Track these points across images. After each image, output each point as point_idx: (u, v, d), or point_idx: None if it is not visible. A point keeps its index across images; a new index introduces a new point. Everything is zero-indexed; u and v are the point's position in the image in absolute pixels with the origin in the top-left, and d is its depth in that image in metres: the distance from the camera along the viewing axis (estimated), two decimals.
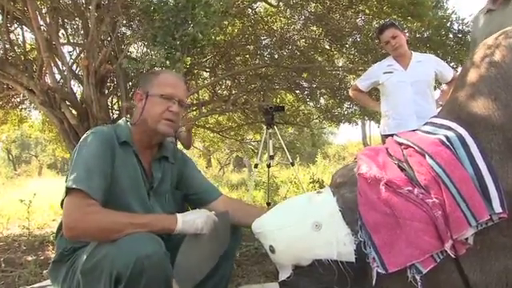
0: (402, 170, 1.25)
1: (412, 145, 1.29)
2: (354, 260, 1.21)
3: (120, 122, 1.56)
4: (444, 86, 3.19)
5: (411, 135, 1.39)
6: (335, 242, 1.23)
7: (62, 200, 1.29)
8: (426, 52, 3.96)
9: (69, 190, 1.26)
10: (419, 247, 1.11)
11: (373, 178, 1.23)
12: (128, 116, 4.06)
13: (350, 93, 3.25)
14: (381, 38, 2.92)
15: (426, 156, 1.21)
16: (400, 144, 1.38)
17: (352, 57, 5.57)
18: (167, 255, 1.23)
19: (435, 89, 3.29)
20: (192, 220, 1.35)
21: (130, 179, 1.43)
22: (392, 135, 2.54)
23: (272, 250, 1.31)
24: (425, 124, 1.42)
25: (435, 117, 1.40)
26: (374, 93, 4.86)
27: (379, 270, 1.14)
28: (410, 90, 2.80)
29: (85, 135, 1.41)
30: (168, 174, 1.59)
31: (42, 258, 3.24)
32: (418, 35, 4.61)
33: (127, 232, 1.20)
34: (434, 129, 1.31)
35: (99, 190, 1.29)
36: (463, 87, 1.35)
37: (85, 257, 1.25)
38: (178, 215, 1.36)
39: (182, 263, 1.29)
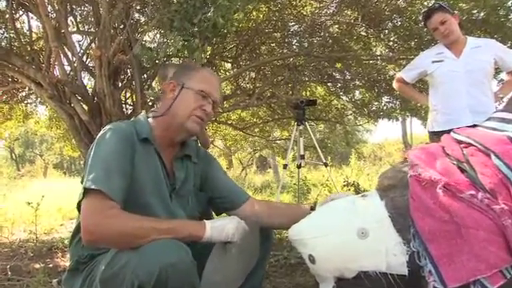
0: (463, 171, 1.23)
1: (474, 143, 1.27)
2: (406, 273, 1.19)
3: (139, 117, 1.58)
4: (505, 76, 3.10)
5: (472, 132, 1.36)
6: (384, 251, 1.22)
7: (79, 202, 1.31)
8: (480, 36, 3.85)
9: (87, 191, 1.28)
10: (485, 260, 1.08)
11: (428, 181, 1.21)
12: (143, 111, 4.10)
13: (394, 85, 3.21)
14: (428, 24, 2.88)
15: (492, 155, 1.18)
16: (459, 142, 1.35)
17: (392, 44, 5.47)
18: (194, 264, 1.24)
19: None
20: (222, 226, 1.35)
21: (152, 179, 1.45)
22: (441, 132, 2.52)
23: (312, 260, 1.31)
24: (488, 119, 1.39)
25: (501, 111, 1.37)
26: (417, 85, 4.76)
27: (437, 286, 1.12)
28: (463, 81, 2.74)
29: (102, 131, 1.44)
30: (191, 175, 1.61)
31: (50, 265, 3.32)
32: (471, 17, 4.47)
33: (151, 238, 1.21)
34: (501, 125, 1.28)
35: (119, 191, 1.30)
36: None
37: (104, 264, 1.27)
38: (206, 221, 1.36)
39: (210, 276, 1.29)
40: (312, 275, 2.65)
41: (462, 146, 1.32)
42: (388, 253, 1.21)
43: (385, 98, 6.29)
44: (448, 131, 1.64)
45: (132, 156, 1.40)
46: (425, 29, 3.88)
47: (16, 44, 4.58)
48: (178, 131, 1.53)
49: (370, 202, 1.34)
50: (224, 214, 1.71)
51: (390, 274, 1.20)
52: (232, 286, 1.37)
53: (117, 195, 1.29)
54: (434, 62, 2.86)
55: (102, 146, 1.37)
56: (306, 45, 5.59)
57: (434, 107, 2.95)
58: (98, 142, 1.40)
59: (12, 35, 4.51)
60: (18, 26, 4.74)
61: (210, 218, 1.65)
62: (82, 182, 1.35)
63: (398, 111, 6.28)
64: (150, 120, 1.55)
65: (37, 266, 3.29)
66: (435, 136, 2.78)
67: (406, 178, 1.30)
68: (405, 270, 1.19)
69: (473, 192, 1.15)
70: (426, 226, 1.17)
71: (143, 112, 1.64)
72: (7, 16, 4.32)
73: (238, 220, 1.40)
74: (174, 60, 4.53)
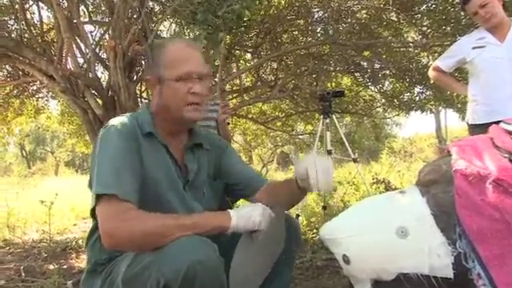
0: None
1: None
2: (451, 275, 1.16)
3: (141, 109, 1.56)
4: None
5: None
6: (426, 252, 1.20)
7: (92, 209, 1.31)
8: None
9: (100, 197, 1.28)
10: None
11: (475, 175, 1.18)
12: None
13: (430, 74, 3.15)
14: (467, 8, 2.81)
15: None
16: (510, 133, 1.31)
17: (426, 29, 5.38)
18: (222, 261, 1.23)
19: None
20: (248, 214, 1.34)
21: (164, 174, 1.45)
22: (482, 125, 2.45)
23: (346, 261, 1.29)
24: None
25: None
26: (454, 73, 4.66)
27: None
28: (507, 68, 2.68)
29: (103, 129, 1.42)
30: (204, 164, 1.59)
31: (65, 266, 3.38)
32: None
33: (176, 236, 1.21)
34: None
35: (133, 191, 1.30)
36: None
37: (126, 264, 1.28)
38: (231, 211, 1.36)
39: (239, 267, 1.29)
40: (340, 278, 2.66)
41: None
42: (431, 253, 1.19)
43: (417, 89, 6.21)
44: (490, 124, 1.60)
45: (138, 151, 1.39)
46: (462, 12, 3.80)
47: (27, 35, 4.64)
48: (180, 123, 1.51)
49: (409, 198, 1.31)
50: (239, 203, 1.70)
51: (434, 277, 1.18)
52: (261, 274, 1.36)
53: (131, 196, 1.28)
54: (474, 48, 2.79)
55: (106, 146, 1.36)
56: (331, 32, 5.54)
57: (474, 97, 2.88)
58: (101, 142, 1.39)
59: (23, 26, 4.57)
60: (29, 16, 4.81)
61: (227, 207, 1.64)
62: (89, 186, 1.35)
63: (431, 102, 6.19)
64: (152, 111, 1.52)
65: (51, 267, 3.35)
66: (476, 129, 2.71)
67: (450, 172, 1.27)
68: (450, 273, 1.16)
69: None
70: (473, 224, 1.14)
71: (145, 104, 1.62)
72: (17, 6, 4.39)
73: (263, 207, 1.39)
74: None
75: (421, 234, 1.21)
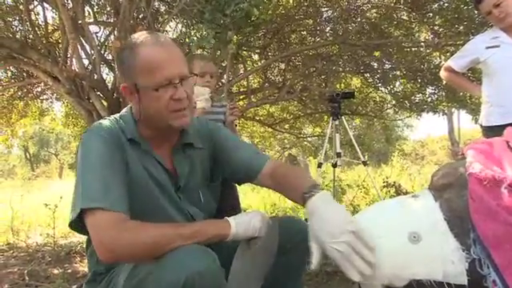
0: None
1: None
2: (465, 282, 1.15)
3: (124, 112, 1.48)
4: None
5: None
6: (440, 258, 1.18)
7: (72, 222, 1.25)
8: None
9: (88, 210, 1.22)
10: None
11: (490, 179, 1.17)
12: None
13: (442, 74, 3.13)
14: (480, 7, 2.80)
15: None
16: None
17: (438, 28, 5.37)
18: (222, 271, 1.21)
19: None
20: (248, 220, 1.34)
21: (153, 181, 1.42)
22: (497, 127, 2.44)
23: None
24: None
25: None
26: (467, 73, 4.64)
27: None
28: None
29: (85, 135, 1.37)
30: (196, 165, 1.55)
31: (69, 270, 3.39)
32: None
33: (177, 244, 1.18)
34: None
35: (123, 201, 1.26)
36: None
37: (124, 276, 1.26)
38: (229, 218, 1.34)
39: (237, 275, 1.29)
40: (349, 285, 2.64)
41: None
42: (445, 260, 1.17)
43: (429, 89, 6.20)
44: (505, 126, 1.59)
45: (124, 158, 1.35)
46: (476, 10, 3.79)
47: (31, 37, 4.68)
48: (169, 130, 1.43)
49: (422, 202, 1.30)
50: None
51: (447, 284, 1.16)
52: (257, 279, 1.36)
53: (122, 206, 1.24)
54: (488, 47, 2.78)
55: (89, 154, 1.31)
56: (340, 32, 5.54)
57: (488, 99, 2.87)
58: (82, 151, 1.33)
59: (27, 27, 4.61)
60: (33, 17, 4.84)
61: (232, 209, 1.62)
62: (74, 194, 1.27)
63: (444, 103, 6.17)
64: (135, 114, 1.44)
65: (55, 271, 3.37)
66: (490, 131, 2.70)
67: (464, 176, 1.26)
68: (464, 280, 1.15)
69: None
70: (488, 230, 1.12)
71: (129, 106, 1.50)
72: (22, 7, 4.42)
73: (262, 213, 1.39)
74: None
75: (434, 240, 1.20)
